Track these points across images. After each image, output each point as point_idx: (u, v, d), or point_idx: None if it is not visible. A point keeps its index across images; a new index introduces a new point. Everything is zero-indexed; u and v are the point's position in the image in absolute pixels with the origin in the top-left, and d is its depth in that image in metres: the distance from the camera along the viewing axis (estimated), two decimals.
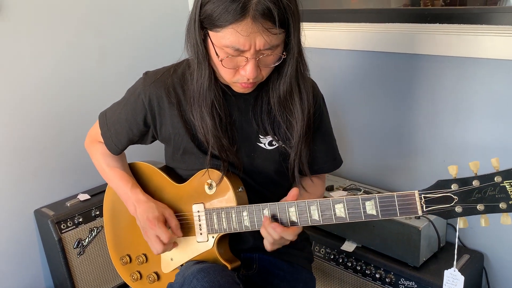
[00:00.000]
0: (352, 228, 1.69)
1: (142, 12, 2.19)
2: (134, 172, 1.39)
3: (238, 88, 1.16)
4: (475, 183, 0.92)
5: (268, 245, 1.15)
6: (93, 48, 2.05)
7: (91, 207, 1.95)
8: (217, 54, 1.06)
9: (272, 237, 1.11)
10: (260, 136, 1.23)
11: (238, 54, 1.05)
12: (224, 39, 1.03)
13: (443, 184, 0.95)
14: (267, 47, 1.04)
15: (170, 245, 1.23)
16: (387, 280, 1.59)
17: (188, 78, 1.20)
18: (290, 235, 1.11)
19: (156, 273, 1.35)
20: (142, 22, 2.20)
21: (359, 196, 1.03)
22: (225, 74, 1.11)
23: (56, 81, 1.96)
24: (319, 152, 1.30)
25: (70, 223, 1.89)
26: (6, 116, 1.83)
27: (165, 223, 1.23)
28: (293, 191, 1.12)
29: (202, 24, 1.06)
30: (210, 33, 1.06)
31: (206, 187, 1.22)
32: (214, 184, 1.21)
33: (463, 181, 0.93)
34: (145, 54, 2.22)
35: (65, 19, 1.94)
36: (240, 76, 1.10)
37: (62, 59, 1.96)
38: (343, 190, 1.78)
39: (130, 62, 2.16)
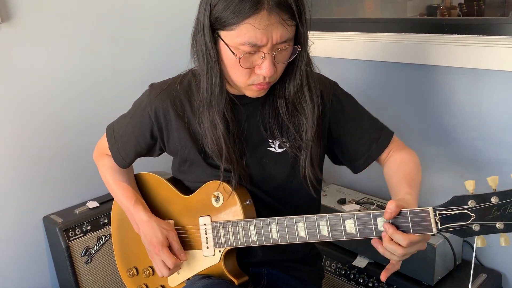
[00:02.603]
0: (364, 243, 1.64)
1: (156, 20, 2.18)
2: (141, 183, 1.37)
3: (252, 92, 1.11)
4: (494, 199, 0.87)
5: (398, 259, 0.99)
6: (106, 56, 2.04)
7: (99, 215, 1.93)
8: (233, 53, 1.02)
9: (401, 244, 0.95)
10: (269, 140, 1.20)
11: (255, 51, 1.02)
12: (240, 37, 1.00)
13: (459, 200, 0.90)
14: (283, 39, 1.01)
15: (176, 268, 1.23)
16: None
17: (194, 89, 1.18)
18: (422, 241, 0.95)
19: (163, 287, 1.32)
20: (156, 30, 2.19)
21: (371, 212, 0.98)
22: (240, 76, 1.07)
23: (68, 88, 1.95)
24: (358, 140, 1.22)
25: (78, 231, 1.87)
26: (16, 122, 1.83)
27: (170, 246, 1.22)
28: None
29: (213, 26, 1.03)
30: (223, 33, 1.03)
31: (213, 199, 1.19)
32: (221, 196, 1.18)
33: (481, 198, 0.88)
34: (160, 62, 2.21)
35: (78, 26, 1.94)
36: (255, 76, 1.06)
37: (75, 67, 1.95)
38: (355, 203, 1.74)
39: (144, 71, 2.15)
